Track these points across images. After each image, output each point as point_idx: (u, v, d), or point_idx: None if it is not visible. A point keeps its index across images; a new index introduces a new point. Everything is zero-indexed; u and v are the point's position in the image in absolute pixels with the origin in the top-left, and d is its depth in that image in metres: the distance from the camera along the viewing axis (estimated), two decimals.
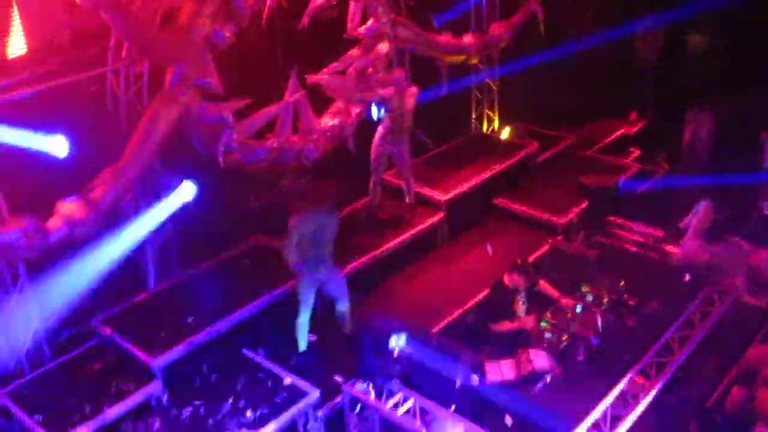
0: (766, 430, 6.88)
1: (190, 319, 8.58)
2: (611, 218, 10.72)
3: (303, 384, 8.07)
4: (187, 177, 8.99)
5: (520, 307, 8.42)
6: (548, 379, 7.57)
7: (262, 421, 7.63)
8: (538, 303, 8.62)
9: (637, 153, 13.87)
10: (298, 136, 10.58)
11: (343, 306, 8.94)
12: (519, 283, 8.36)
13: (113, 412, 7.61)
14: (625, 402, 7.39)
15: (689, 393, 8.23)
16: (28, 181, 8.79)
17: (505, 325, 8.27)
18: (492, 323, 8.30)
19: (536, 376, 7.61)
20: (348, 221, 10.38)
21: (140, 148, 8.93)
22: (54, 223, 8.55)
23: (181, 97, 9.00)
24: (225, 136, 9.40)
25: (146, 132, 8.99)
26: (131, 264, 9.15)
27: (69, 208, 8.59)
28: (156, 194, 9.27)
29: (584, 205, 11.09)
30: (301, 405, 7.83)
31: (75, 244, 8.32)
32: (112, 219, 8.60)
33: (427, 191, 11.36)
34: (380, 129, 10.71)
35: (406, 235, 10.58)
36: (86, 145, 8.38)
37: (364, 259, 10.05)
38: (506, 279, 8.37)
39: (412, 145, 12.98)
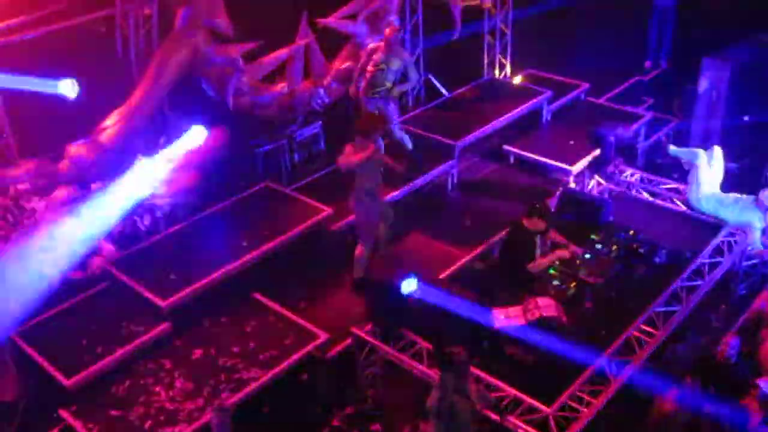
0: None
1: (197, 265, 8.60)
2: (623, 166, 10.66)
3: (311, 327, 8.15)
4: (197, 121, 8.96)
5: (537, 249, 8.40)
6: (555, 327, 7.60)
7: (272, 363, 7.72)
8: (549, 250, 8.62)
9: (650, 101, 13.74)
10: (309, 80, 10.52)
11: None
12: (538, 225, 8.32)
13: (124, 352, 7.70)
14: (631, 350, 7.44)
15: (695, 343, 8.30)
16: (39, 125, 8.80)
17: (543, 262, 8.25)
18: (518, 266, 8.27)
19: (543, 323, 7.65)
20: None
21: (150, 90, 8.93)
22: (64, 165, 8.59)
23: (191, 38, 8.94)
24: (234, 79, 9.38)
25: (156, 74, 8.97)
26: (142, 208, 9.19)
27: (79, 150, 8.63)
28: (167, 137, 9.25)
29: (596, 152, 10.99)
30: (309, 348, 7.91)
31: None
32: (123, 162, 8.61)
33: (438, 137, 11.29)
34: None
35: (418, 182, 10.54)
36: (96, 88, 8.35)
37: None
38: (525, 222, 8.33)
39: (426, 90, 12.94)
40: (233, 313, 8.43)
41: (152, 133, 9.50)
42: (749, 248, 9.24)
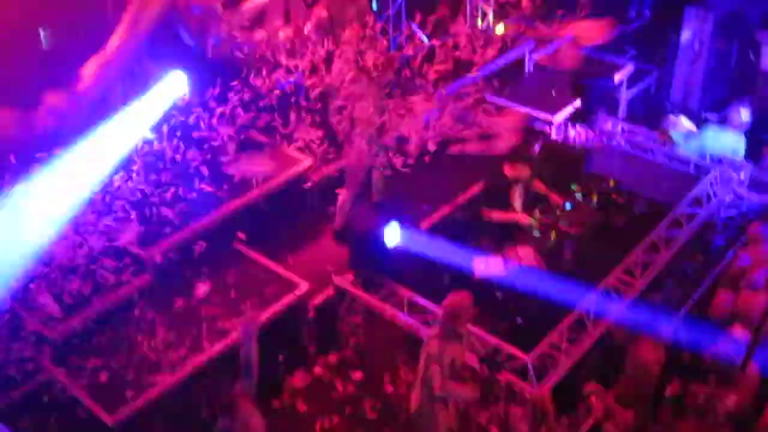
0: (742, 330, 7.02)
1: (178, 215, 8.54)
2: (604, 117, 10.65)
3: (293, 276, 8.16)
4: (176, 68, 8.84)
5: (517, 199, 8.44)
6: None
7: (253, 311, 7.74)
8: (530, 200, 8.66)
9: (633, 52, 13.66)
10: (289, 28, 10.38)
11: None
12: (521, 174, 8.32)
13: (105, 302, 7.70)
14: (610, 299, 7.53)
15: (673, 292, 8.41)
16: (14, 75, 8.63)
17: (497, 214, 8.28)
18: (486, 211, 8.31)
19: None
20: None
21: (127, 38, 8.76)
22: (41, 114, 8.47)
23: None
24: (213, 28, 9.22)
25: (133, 22, 8.80)
26: None
27: (56, 99, 8.50)
28: (145, 87, 9.12)
29: (578, 103, 10.96)
30: (291, 297, 7.94)
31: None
32: (101, 111, 8.50)
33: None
34: None
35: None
36: (72, 36, 8.19)
37: None
38: (507, 170, 8.33)
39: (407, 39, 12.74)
40: (214, 263, 8.42)
41: (131, 82, 9.34)
42: (727, 198, 9.32)
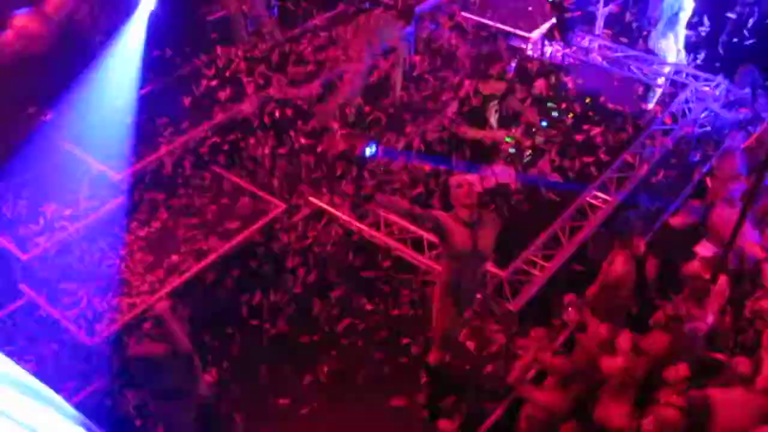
0: (709, 245, 7.13)
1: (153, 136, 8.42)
2: (581, 33, 10.55)
3: (269, 198, 8.15)
4: None
5: (493, 114, 8.41)
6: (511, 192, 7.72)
7: (231, 233, 7.75)
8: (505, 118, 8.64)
9: None
10: None
11: None
12: (496, 89, 8.30)
13: (81, 226, 7.65)
14: (585, 216, 7.60)
15: (647, 207, 8.49)
16: None
17: (472, 132, 8.28)
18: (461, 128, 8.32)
19: (500, 189, 7.75)
20: None
21: None
22: (8, 36, 8.25)
23: None
24: None
25: None
26: None
27: (22, 20, 8.27)
28: (114, 6, 8.88)
29: (554, 19, 10.83)
30: (268, 217, 7.93)
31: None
32: (70, 33, 8.29)
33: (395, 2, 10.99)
34: None
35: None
36: None
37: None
38: (481, 86, 8.30)
39: None
40: (191, 184, 8.36)
41: (101, 8, 9.08)
42: (702, 114, 9.34)
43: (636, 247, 7.05)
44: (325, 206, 7.85)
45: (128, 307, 6.99)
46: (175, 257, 7.52)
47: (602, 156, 8.39)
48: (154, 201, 8.15)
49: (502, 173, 7.75)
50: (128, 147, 8.23)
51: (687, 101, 9.20)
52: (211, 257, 7.49)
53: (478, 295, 6.70)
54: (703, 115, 9.34)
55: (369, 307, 7.82)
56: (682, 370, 5.81)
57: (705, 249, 7.24)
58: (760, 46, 10.95)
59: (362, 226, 7.63)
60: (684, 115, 9.03)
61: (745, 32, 10.94)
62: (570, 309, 6.52)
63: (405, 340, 7.32)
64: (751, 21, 10.94)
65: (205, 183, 8.43)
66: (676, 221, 7.99)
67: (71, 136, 8.43)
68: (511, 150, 8.27)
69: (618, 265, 6.92)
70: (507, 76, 8.40)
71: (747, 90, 9.52)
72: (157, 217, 7.99)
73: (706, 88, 9.46)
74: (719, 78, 9.71)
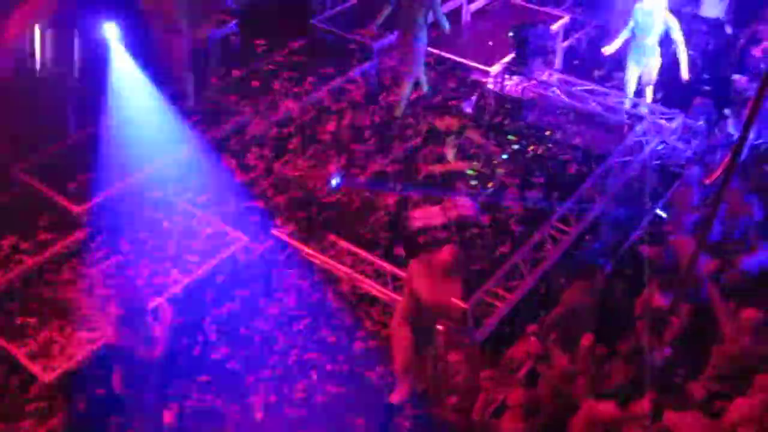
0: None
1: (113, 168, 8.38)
2: (541, 67, 10.72)
3: (232, 230, 8.12)
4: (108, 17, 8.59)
5: (450, 150, 8.50)
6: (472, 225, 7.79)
7: (192, 267, 7.70)
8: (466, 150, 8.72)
9: (569, 2, 13.74)
10: None
11: None
12: (451, 125, 8.39)
13: (38, 260, 7.54)
14: (545, 248, 7.67)
15: (606, 240, 8.60)
16: None
17: (435, 166, 8.36)
18: (422, 165, 8.39)
19: (462, 221, 7.81)
20: None
21: None
22: None
23: None
24: None
25: None
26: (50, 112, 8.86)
27: None
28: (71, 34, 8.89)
29: (515, 53, 11.01)
30: (230, 250, 7.90)
31: None
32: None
33: (357, 37, 11.11)
34: None
35: (336, 83, 10.43)
36: None
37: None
38: (437, 122, 8.39)
39: None
40: (152, 216, 8.30)
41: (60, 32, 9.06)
42: (659, 147, 9.52)
43: (595, 277, 7.16)
44: (288, 239, 7.83)
45: (87, 342, 6.86)
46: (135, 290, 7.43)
47: (563, 187, 8.50)
48: (116, 233, 8.08)
49: (464, 205, 7.82)
50: (90, 179, 8.20)
51: (644, 134, 9.37)
52: (174, 290, 7.41)
53: (441, 327, 6.71)
54: (659, 147, 9.52)
55: (331, 339, 7.80)
56: (646, 405, 5.87)
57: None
58: (713, 79, 11.28)
59: (325, 258, 7.61)
60: (641, 147, 9.20)
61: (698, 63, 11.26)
62: (532, 340, 6.55)
63: (368, 374, 7.29)
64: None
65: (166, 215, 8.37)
66: (650, 252, 8.11)
67: (30, 167, 8.37)
68: (473, 182, 8.34)
69: (575, 296, 7.01)
70: (465, 110, 8.52)
71: (701, 122, 9.74)
72: (119, 250, 7.91)
73: (663, 121, 9.65)
74: (675, 111, 9.93)
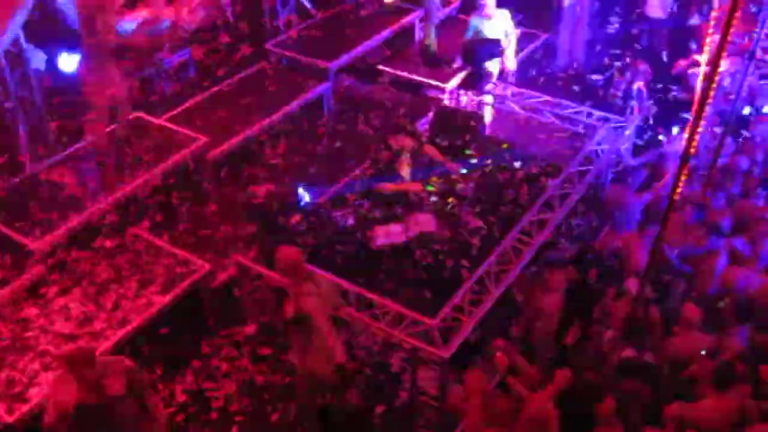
0: (635, 281, 7.30)
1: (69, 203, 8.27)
2: (495, 81, 10.83)
3: (193, 258, 8.04)
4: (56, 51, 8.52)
5: (405, 168, 8.51)
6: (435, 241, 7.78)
7: (154, 298, 7.60)
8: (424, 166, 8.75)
9: (519, 17, 13.91)
10: (173, 5, 10.13)
11: None
12: (405, 144, 8.41)
13: None
14: (508, 259, 7.70)
15: (566, 249, 8.65)
16: None
17: (389, 186, 8.36)
18: (377, 185, 8.40)
19: (424, 238, 7.80)
20: None
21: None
22: None
23: None
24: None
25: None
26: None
27: None
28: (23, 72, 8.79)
29: (468, 69, 11.10)
30: (192, 279, 7.81)
31: None
32: None
33: (311, 59, 11.14)
34: None
35: (293, 104, 10.42)
36: None
37: (246, 133, 9.85)
38: (391, 140, 8.40)
39: (298, 12, 12.63)
40: (112, 249, 8.19)
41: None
42: (614, 156, 9.66)
43: (558, 282, 7.24)
44: (250, 263, 7.76)
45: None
46: (97, 325, 7.31)
47: (523, 199, 8.56)
48: (73, 268, 7.95)
49: (424, 222, 7.82)
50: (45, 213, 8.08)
51: (599, 143, 9.49)
52: (133, 324, 7.31)
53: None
54: (614, 156, 9.65)
55: None
56: (610, 404, 5.92)
57: (631, 284, 7.40)
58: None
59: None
60: (598, 156, 9.30)
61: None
62: (498, 354, 6.56)
63: None
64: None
65: (125, 246, 8.27)
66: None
67: None
68: (433, 199, 8.36)
69: (540, 302, 7.08)
70: (420, 128, 8.55)
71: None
72: (79, 284, 7.78)
73: (618, 130, 9.79)
74: (630, 119, 10.09)
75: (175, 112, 10.07)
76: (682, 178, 5.93)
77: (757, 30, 8.93)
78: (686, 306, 7.09)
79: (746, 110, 10.70)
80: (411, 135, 8.40)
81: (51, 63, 9.58)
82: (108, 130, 8.85)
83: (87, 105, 8.55)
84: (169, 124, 9.67)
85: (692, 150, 5.84)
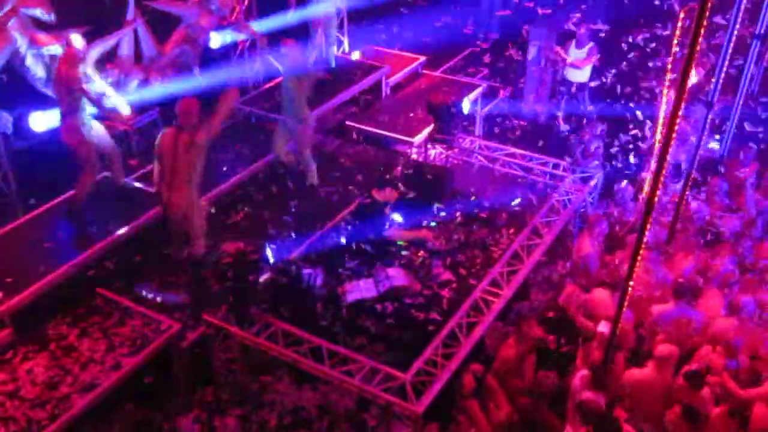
0: (607, 324, 7.36)
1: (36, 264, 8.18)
2: (462, 135, 10.99)
3: (162, 318, 7.96)
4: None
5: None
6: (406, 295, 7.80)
7: (122, 361, 7.50)
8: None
9: (485, 71, 14.21)
10: (141, 65, 10.24)
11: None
12: (390, 196, 8.57)
13: None
14: (479, 311, 7.73)
15: (538, 299, 8.71)
16: None
17: (405, 234, 8.49)
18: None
19: (395, 292, 7.82)
20: None
21: None
22: None
23: (9, 26, 8.47)
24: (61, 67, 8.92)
25: None
26: None
27: None
28: None
29: (435, 123, 11.26)
30: (162, 339, 7.73)
31: None
32: None
33: (280, 116, 11.20)
34: None
35: (262, 162, 10.47)
36: None
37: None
38: (376, 194, 8.54)
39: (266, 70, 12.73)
40: (78, 311, 8.09)
41: None
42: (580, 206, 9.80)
43: (529, 332, 7.31)
44: (219, 322, 7.70)
45: None
46: (64, 389, 7.18)
47: (492, 251, 8.63)
48: (39, 331, 7.83)
49: (396, 276, 7.85)
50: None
51: (567, 193, 9.63)
52: (103, 387, 7.19)
53: None
54: (580, 206, 9.79)
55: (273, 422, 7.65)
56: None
57: (606, 327, 7.45)
58: None
59: (259, 340, 7.50)
60: (564, 206, 9.43)
61: None
62: (467, 377, 6.66)
63: None
64: None
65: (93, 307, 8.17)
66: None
67: None
68: (403, 252, 8.41)
69: (509, 350, 7.18)
70: (396, 182, 8.73)
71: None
72: (45, 348, 7.66)
73: (582, 181, 9.96)
74: (595, 170, 10.27)
75: (143, 171, 10.03)
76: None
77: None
78: None
79: None
80: (394, 188, 8.57)
81: (19, 124, 9.53)
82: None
83: (75, 159, 8.56)
84: (137, 184, 9.64)
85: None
